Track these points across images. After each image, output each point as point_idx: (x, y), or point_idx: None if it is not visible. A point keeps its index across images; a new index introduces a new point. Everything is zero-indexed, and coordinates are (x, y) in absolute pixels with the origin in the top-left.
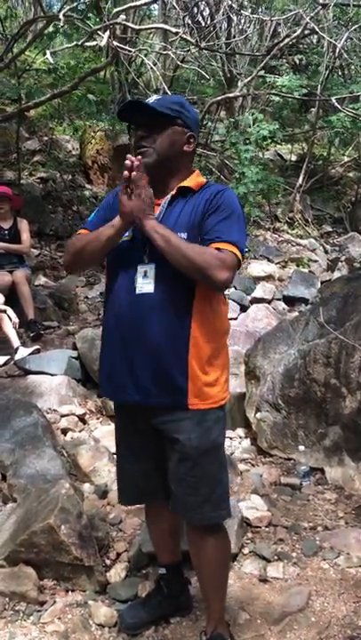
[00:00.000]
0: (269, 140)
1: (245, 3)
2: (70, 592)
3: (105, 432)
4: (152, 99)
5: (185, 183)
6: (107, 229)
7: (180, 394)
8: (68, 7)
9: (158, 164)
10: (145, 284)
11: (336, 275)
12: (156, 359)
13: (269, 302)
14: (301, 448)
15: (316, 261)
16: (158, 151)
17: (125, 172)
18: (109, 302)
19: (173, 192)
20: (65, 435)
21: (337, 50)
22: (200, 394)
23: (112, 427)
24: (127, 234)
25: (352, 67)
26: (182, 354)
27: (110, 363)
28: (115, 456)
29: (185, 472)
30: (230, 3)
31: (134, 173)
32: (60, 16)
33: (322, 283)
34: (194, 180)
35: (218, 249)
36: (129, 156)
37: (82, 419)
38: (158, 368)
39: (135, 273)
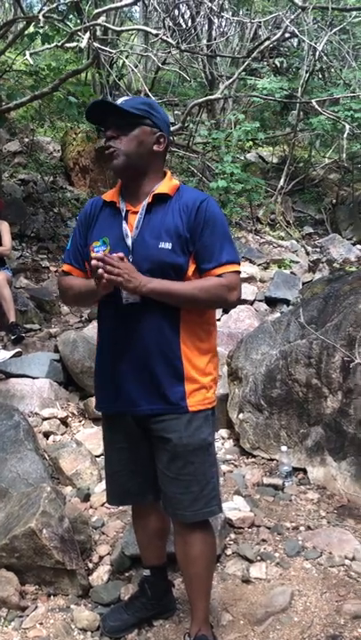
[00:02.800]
0: (251, 142)
1: (226, 5)
2: (52, 596)
3: (87, 435)
4: (121, 99)
5: (160, 189)
6: (86, 290)
7: (179, 399)
8: (48, 8)
9: (128, 166)
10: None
11: (317, 276)
12: (150, 369)
13: (251, 303)
14: (284, 448)
15: (297, 263)
16: (126, 152)
17: (99, 273)
18: (100, 317)
19: (150, 199)
20: (47, 438)
21: (317, 53)
22: (195, 396)
23: (95, 429)
24: (104, 247)
25: (332, 69)
26: (175, 360)
27: (105, 377)
28: (97, 459)
29: (176, 471)
30: (210, 5)
31: (101, 271)
32: (40, 17)
33: (303, 284)
34: (168, 184)
35: (219, 275)
36: (94, 255)
37: (64, 422)
38: (154, 377)
39: None
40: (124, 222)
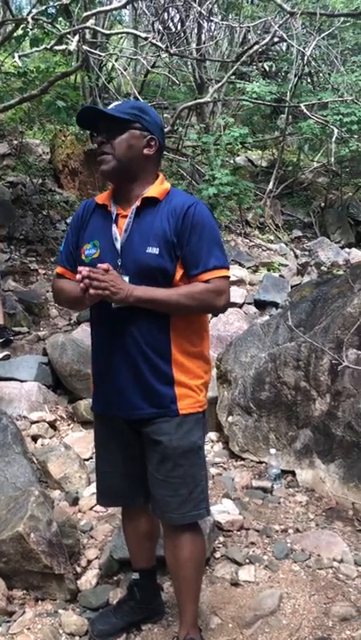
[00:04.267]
0: (240, 146)
1: (215, 9)
2: (40, 601)
3: (76, 438)
4: (112, 104)
5: (150, 193)
6: (76, 297)
7: (170, 402)
8: (37, 10)
9: (118, 170)
10: None
11: (306, 279)
12: (141, 372)
13: (240, 306)
14: (273, 451)
15: (286, 266)
16: (117, 156)
17: (81, 286)
18: (92, 319)
19: (138, 203)
20: (35, 442)
21: (306, 57)
22: (186, 399)
23: (83, 433)
24: (94, 251)
25: (321, 74)
26: (166, 363)
27: (99, 379)
28: (86, 462)
29: (165, 473)
30: (200, 9)
31: (88, 291)
32: (29, 19)
33: (292, 287)
34: (158, 188)
35: (207, 280)
36: (80, 269)
37: (52, 425)
38: (145, 381)
39: None
40: (113, 225)
